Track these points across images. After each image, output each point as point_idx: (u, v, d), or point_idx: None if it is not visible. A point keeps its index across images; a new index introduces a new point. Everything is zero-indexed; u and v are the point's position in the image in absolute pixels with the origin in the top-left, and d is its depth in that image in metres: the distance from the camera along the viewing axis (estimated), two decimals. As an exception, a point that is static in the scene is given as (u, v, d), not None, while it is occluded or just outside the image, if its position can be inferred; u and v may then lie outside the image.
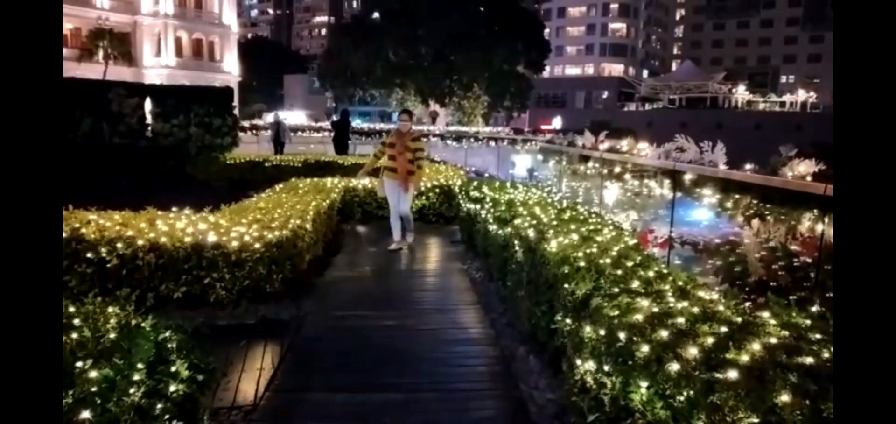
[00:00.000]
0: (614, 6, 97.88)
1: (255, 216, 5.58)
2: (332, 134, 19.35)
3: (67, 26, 47.78)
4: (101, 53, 45.86)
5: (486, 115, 61.51)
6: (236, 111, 16.29)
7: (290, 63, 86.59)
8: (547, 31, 76.59)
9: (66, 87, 14.09)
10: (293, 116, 52.33)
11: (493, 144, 28.65)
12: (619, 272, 3.40)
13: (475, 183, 8.74)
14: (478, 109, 59.89)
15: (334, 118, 23.56)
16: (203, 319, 4.56)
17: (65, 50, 46.49)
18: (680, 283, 3.18)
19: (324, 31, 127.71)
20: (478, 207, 6.97)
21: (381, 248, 7.65)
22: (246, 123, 31.87)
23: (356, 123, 34.98)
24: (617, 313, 2.77)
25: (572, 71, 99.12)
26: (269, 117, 37.63)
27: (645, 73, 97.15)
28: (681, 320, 2.54)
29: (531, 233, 4.55)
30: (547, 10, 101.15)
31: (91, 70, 41.50)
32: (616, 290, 3.08)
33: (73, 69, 38.94)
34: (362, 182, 9.00)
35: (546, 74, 78.39)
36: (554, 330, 3.65)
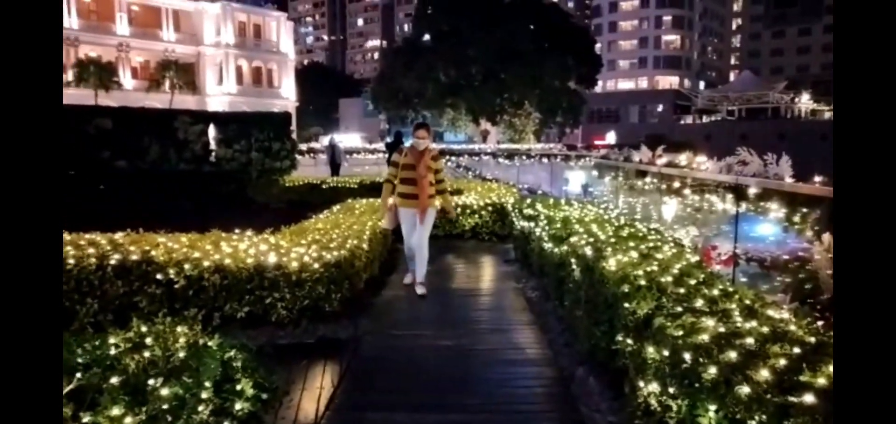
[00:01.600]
0: (667, 18, 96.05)
1: (314, 237, 5.71)
2: (387, 155, 19.68)
3: (137, 60, 50.76)
4: (167, 83, 48.30)
5: (538, 131, 61.15)
6: (294, 135, 16.78)
7: (345, 87, 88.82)
8: (598, 45, 75.74)
9: (136, 116, 14.89)
10: (348, 139, 53.58)
11: (545, 160, 28.42)
12: (682, 290, 3.30)
13: (528, 201, 8.68)
14: (529, 126, 59.65)
15: (388, 140, 23.99)
16: (265, 338, 4.68)
17: (135, 81, 49.32)
18: (747, 301, 3.06)
19: (376, 55, 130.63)
20: (532, 225, 6.92)
21: (435, 266, 7.68)
22: (303, 147, 32.85)
23: (409, 143, 35.41)
24: (681, 333, 2.69)
25: (625, 85, 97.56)
26: (325, 140, 38.62)
27: (701, 84, 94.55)
28: (750, 340, 2.44)
29: (588, 251, 4.48)
30: (597, 25, 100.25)
31: (158, 99, 43.82)
32: (679, 309, 2.99)
33: (142, 99, 41.18)
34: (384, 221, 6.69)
35: (598, 88, 77.40)
36: (615, 351, 3.57)
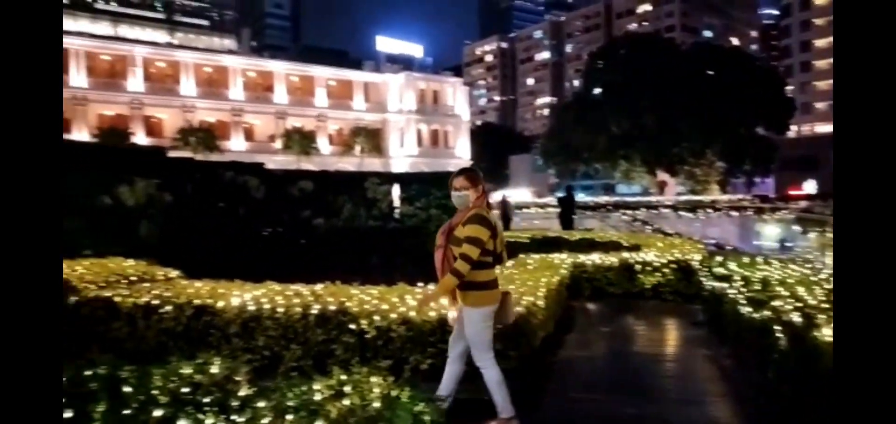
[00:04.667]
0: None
1: (491, 294, 5.78)
2: (559, 211, 19.59)
3: (332, 128, 56.93)
4: (357, 148, 53.36)
5: (723, 182, 56.66)
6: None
7: (515, 144, 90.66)
8: (789, 87, 68.77)
9: (333, 179, 16.61)
10: (518, 194, 54.28)
11: (733, 213, 26.14)
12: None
13: (719, 258, 8.00)
14: (712, 176, 55.54)
15: (559, 195, 23.93)
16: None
17: (330, 147, 55.16)
18: None
19: (546, 112, 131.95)
20: (724, 285, 6.35)
21: (615, 327, 7.36)
22: (476, 203, 33.98)
23: (579, 197, 34.99)
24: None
25: (824, 128, 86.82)
26: (497, 196, 39.55)
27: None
28: None
29: (796, 318, 3.98)
30: (788, 66, 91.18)
31: (349, 162, 48.55)
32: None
33: (336, 163, 45.97)
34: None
35: (792, 133, 69.93)
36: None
